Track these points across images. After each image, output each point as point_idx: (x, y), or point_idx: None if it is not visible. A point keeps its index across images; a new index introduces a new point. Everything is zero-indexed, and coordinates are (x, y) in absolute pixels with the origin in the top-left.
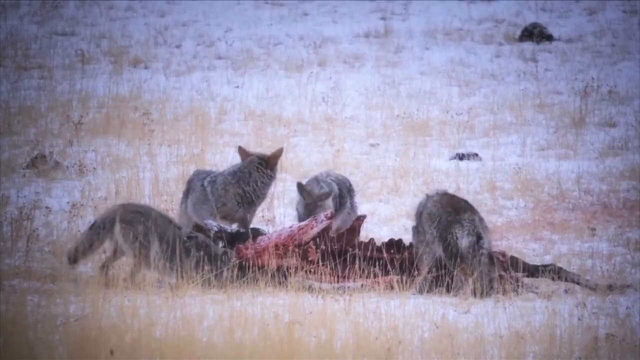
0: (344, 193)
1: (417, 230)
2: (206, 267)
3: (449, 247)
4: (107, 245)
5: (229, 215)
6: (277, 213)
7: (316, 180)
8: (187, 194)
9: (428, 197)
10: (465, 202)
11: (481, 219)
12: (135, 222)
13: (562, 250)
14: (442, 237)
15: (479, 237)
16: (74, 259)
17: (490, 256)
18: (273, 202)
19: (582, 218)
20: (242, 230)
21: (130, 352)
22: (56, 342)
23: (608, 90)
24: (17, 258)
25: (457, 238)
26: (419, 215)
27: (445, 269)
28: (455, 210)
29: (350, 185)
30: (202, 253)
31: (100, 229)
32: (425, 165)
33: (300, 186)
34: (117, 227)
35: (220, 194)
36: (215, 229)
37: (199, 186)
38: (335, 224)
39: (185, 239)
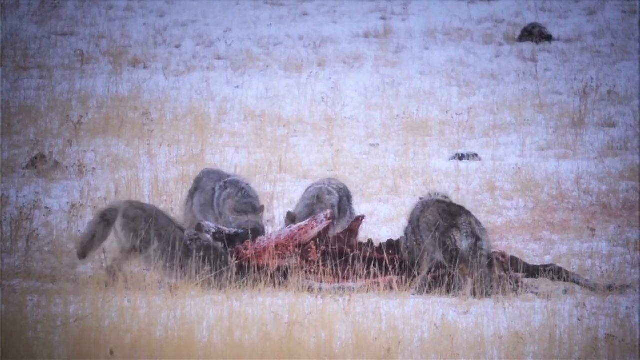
0: (343, 201)
1: (412, 232)
2: (206, 268)
3: (449, 250)
4: (114, 241)
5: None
6: (277, 213)
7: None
8: (193, 192)
9: (423, 204)
10: (460, 207)
11: (477, 222)
12: (137, 219)
13: (562, 250)
14: (441, 242)
15: (477, 239)
16: (83, 253)
17: (490, 257)
18: (273, 202)
19: (582, 218)
20: (240, 231)
21: (130, 353)
22: (56, 343)
23: (607, 90)
24: (17, 258)
25: (456, 241)
26: (415, 220)
27: (444, 269)
28: (451, 215)
29: (349, 193)
30: (202, 254)
31: (102, 221)
32: (425, 165)
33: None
34: (119, 221)
35: (220, 204)
36: (213, 230)
37: (210, 188)
38: (334, 232)
39: (187, 240)
